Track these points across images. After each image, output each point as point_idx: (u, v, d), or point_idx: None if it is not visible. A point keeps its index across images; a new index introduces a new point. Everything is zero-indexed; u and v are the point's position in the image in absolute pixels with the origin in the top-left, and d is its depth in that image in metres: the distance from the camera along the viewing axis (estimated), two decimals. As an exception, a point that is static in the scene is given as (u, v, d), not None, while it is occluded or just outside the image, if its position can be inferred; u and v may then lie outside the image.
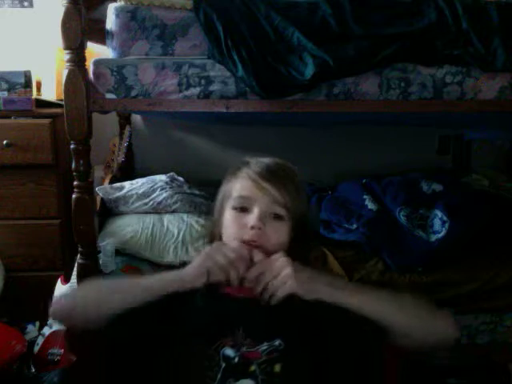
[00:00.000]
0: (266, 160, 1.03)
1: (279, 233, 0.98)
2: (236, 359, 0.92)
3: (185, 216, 1.70)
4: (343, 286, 0.99)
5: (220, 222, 1.03)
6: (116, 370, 0.98)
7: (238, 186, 1.01)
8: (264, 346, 0.93)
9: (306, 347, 0.95)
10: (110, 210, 1.75)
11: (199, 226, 1.65)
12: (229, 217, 1.00)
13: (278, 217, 0.98)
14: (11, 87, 1.80)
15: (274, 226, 0.97)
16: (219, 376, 0.90)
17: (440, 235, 1.59)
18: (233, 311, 0.97)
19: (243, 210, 0.98)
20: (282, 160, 1.05)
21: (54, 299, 1.22)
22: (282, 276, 0.90)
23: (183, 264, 1.13)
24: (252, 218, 0.96)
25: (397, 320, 0.90)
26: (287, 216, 0.98)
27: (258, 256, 0.94)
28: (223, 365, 0.91)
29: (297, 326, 0.96)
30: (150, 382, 0.96)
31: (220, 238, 1.02)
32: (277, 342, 0.94)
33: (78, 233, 1.34)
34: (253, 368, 0.91)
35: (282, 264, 0.91)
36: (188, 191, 1.83)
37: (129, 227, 1.61)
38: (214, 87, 1.28)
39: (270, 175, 0.99)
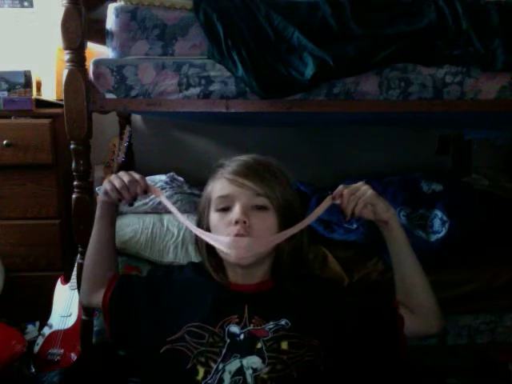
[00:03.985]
0: (240, 157, 1.05)
1: (266, 222, 0.99)
2: (241, 336, 0.94)
3: (185, 216, 1.70)
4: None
5: (206, 227, 1.05)
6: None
7: (216, 188, 1.02)
8: (270, 325, 0.95)
9: (312, 326, 0.98)
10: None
11: (199, 226, 1.65)
12: (214, 219, 1.01)
13: (260, 207, 0.99)
14: (11, 87, 1.80)
15: (259, 217, 0.98)
16: (224, 351, 0.92)
17: (440, 235, 1.59)
18: (239, 296, 1.00)
19: (226, 209, 0.99)
20: (256, 155, 1.06)
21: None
22: (363, 188, 1.00)
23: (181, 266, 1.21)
24: (235, 213, 0.97)
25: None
26: (270, 205, 0.99)
27: None
28: (228, 341, 0.94)
29: (302, 307, 1.00)
30: (153, 357, 0.98)
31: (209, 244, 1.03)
32: (283, 322, 0.96)
33: (77, 233, 1.34)
34: (259, 345, 0.93)
35: (361, 184, 1.02)
36: (188, 191, 1.83)
37: (128, 227, 1.61)
38: (214, 87, 1.28)
39: (245, 170, 1.00)
